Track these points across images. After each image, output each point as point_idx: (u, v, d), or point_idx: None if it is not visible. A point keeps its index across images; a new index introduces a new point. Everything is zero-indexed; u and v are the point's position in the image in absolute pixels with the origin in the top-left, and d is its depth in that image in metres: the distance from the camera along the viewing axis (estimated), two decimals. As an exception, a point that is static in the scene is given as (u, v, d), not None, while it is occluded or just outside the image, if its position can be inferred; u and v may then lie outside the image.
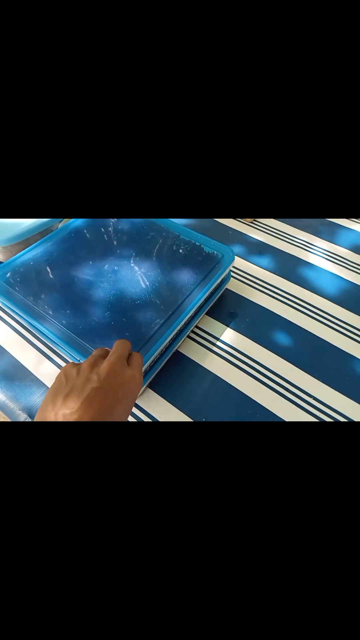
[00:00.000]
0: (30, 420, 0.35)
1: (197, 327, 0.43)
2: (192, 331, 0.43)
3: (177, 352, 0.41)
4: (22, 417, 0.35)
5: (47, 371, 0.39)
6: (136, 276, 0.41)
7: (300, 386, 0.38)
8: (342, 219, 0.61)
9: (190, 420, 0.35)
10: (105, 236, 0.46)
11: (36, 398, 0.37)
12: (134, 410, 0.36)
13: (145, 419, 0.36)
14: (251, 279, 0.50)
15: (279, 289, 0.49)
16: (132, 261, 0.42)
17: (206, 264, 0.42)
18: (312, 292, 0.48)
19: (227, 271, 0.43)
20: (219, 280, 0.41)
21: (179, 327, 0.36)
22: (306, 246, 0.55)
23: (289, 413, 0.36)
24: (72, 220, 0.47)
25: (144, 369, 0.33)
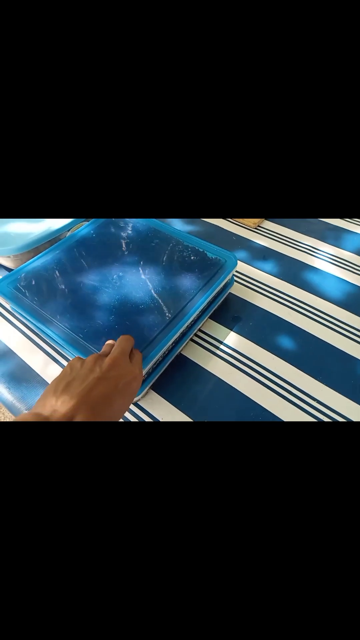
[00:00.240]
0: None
1: (200, 330, 0.44)
2: (196, 335, 0.43)
3: (181, 356, 0.41)
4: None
5: (53, 373, 0.40)
6: (140, 281, 0.42)
7: (304, 389, 0.38)
8: (347, 222, 0.61)
9: (192, 421, 0.35)
10: (110, 243, 0.47)
11: (43, 399, 0.38)
12: (137, 411, 0.37)
13: (149, 420, 0.36)
14: (255, 283, 0.50)
15: (283, 293, 0.49)
16: (136, 267, 0.43)
17: (209, 269, 0.43)
18: (316, 295, 0.48)
19: (229, 276, 0.43)
20: (221, 285, 0.42)
21: (181, 330, 0.37)
22: (311, 251, 0.55)
23: (292, 416, 0.36)
24: (79, 229, 0.49)
25: (146, 370, 0.34)
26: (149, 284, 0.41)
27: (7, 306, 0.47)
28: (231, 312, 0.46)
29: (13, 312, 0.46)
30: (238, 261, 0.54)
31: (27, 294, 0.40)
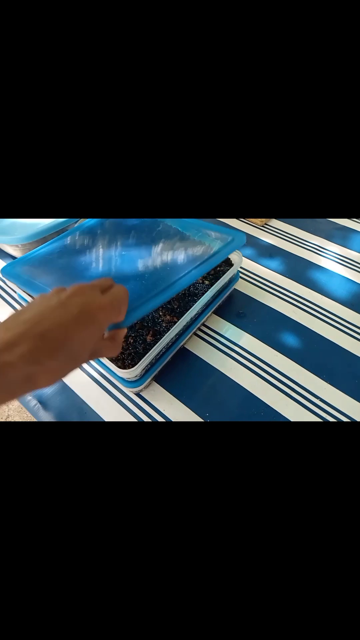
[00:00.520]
0: (39, 405, 0.36)
1: (204, 325, 0.44)
2: (200, 329, 0.43)
3: (184, 349, 0.41)
4: (33, 403, 0.37)
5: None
6: (142, 259, 0.40)
7: (307, 387, 0.38)
8: (355, 223, 0.60)
9: (194, 414, 0.36)
10: (114, 232, 0.47)
11: (48, 390, 0.38)
12: (139, 401, 0.37)
13: (150, 410, 0.36)
14: (261, 280, 0.50)
15: (289, 291, 0.49)
16: (140, 249, 0.43)
17: (215, 245, 0.41)
18: (322, 294, 0.48)
19: (234, 271, 0.43)
20: (225, 281, 0.42)
21: (184, 324, 0.37)
22: (318, 250, 0.55)
23: (294, 413, 0.36)
24: (86, 220, 0.49)
25: (149, 361, 0.34)
26: (151, 260, 0.40)
27: (15, 295, 0.48)
28: (236, 308, 0.46)
29: (20, 300, 0.46)
30: (244, 258, 0.54)
31: (35, 278, 0.41)
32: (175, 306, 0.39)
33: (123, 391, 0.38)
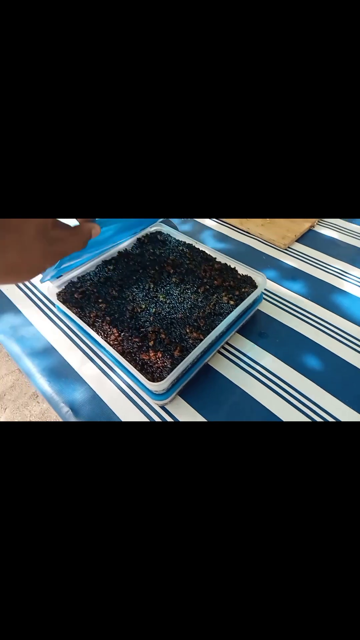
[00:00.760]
0: (70, 412, 0.39)
1: (228, 343, 0.46)
2: (224, 347, 0.45)
3: (208, 366, 0.43)
4: (65, 410, 0.39)
5: (89, 372, 0.43)
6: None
7: (328, 410, 0.39)
8: (380, 249, 0.61)
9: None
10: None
11: (78, 394, 0.41)
12: (163, 414, 0.39)
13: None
14: (283, 302, 0.52)
15: (311, 313, 0.50)
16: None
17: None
18: (345, 318, 0.49)
19: (259, 292, 0.45)
20: (250, 302, 0.44)
21: (210, 341, 0.39)
22: (340, 274, 0.56)
23: (315, 434, 0.36)
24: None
25: (176, 376, 0.36)
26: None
27: (52, 307, 0.52)
28: (259, 328, 0.48)
29: (54, 310, 0.50)
30: (267, 280, 0.56)
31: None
32: (202, 324, 0.41)
33: (149, 403, 0.40)
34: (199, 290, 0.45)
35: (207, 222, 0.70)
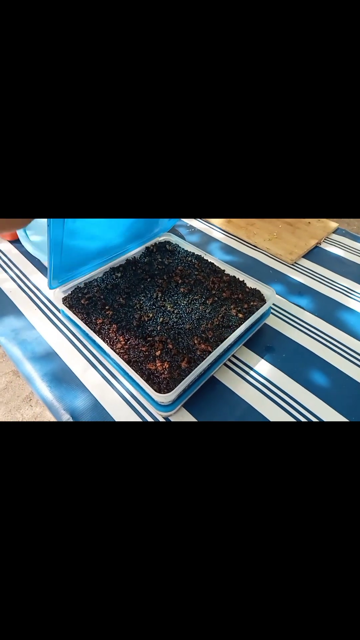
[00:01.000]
0: (71, 419, 0.38)
1: (234, 356, 0.45)
2: (230, 360, 0.45)
3: (213, 378, 0.42)
4: (66, 417, 0.38)
5: (91, 378, 0.42)
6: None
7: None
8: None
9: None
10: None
11: (79, 401, 0.40)
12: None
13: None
14: (290, 317, 0.52)
15: (317, 329, 0.50)
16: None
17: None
18: (350, 335, 0.49)
19: (267, 307, 0.45)
20: (258, 315, 0.44)
21: (218, 354, 0.38)
22: (346, 291, 0.57)
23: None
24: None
25: (183, 388, 0.35)
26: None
27: (56, 311, 0.51)
28: (265, 341, 0.47)
29: (58, 315, 0.49)
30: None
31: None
32: (210, 336, 0.40)
33: (152, 413, 0.39)
34: (207, 301, 0.45)
35: (215, 233, 0.70)
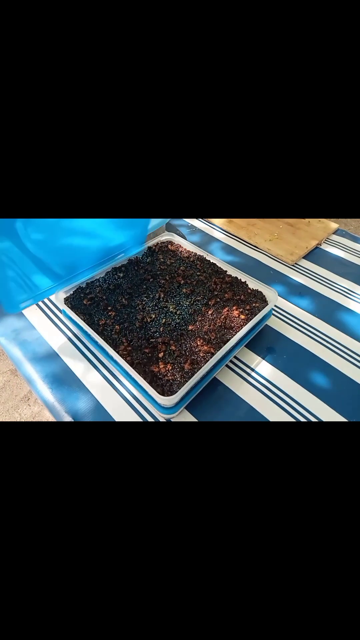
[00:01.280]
0: (73, 421, 0.38)
1: (236, 357, 0.45)
2: (231, 361, 0.45)
3: (215, 379, 0.42)
4: (67, 419, 0.38)
5: (93, 380, 0.42)
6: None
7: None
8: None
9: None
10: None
11: (81, 403, 0.39)
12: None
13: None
14: (291, 318, 0.52)
15: (318, 330, 0.50)
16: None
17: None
18: (350, 337, 0.49)
19: (269, 308, 0.45)
20: (261, 317, 0.44)
21: (221, 355, 0.38)
22: (347, 293, 0.57)
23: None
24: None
25: (185, 391, 0.35)
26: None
27: (58, 311, 0.51)
28: (266, 343, 0.48)
29: (59, 315, 0.49)
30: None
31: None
32: (212, 337, 0.40)
33: (154, 415, 0.39)
34: (210, 302, 0.45)
35: (216, 233, 0.70)
